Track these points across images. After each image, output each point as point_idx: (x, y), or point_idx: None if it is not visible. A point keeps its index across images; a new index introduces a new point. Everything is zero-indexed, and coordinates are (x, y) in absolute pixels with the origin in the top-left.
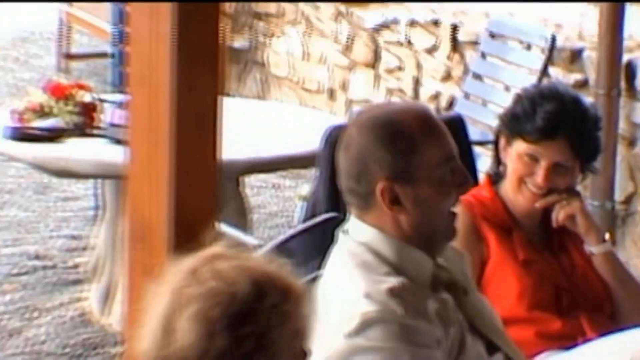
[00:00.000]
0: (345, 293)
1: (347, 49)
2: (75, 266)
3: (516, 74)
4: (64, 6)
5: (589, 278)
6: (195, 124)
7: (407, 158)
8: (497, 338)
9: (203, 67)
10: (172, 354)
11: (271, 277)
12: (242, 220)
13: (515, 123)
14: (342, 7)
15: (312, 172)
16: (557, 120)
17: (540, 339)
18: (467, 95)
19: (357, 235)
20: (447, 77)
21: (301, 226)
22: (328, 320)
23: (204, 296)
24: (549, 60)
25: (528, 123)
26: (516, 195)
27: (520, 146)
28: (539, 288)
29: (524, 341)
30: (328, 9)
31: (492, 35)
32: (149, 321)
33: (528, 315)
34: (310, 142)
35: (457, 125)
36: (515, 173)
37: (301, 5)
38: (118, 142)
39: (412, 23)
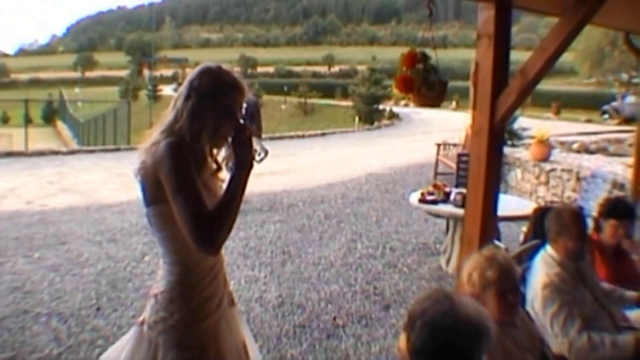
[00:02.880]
0: (540, 271)
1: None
2: (437, 248)
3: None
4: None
5: (634, 268)
6: (487, 204)
7: (561, 229)
8: (598, 294)
9: (493, 174)
10: (472, 286)
11: (507, 261)
12: (498, 238)
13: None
14: None
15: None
16: (624, 211)
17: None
18: (582, 197)
19: (547, 250)
20: (575, 189)
21: (525, 245)
22: (535, 280)
23: (489, 266)
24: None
25: (614, 212)
26: (606, 238)
27: (611, 221)
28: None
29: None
30: None
31: (593, 176)
32: (465, 272)
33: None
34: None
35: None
36: (609, 229)
37: None
38: (457, 206)
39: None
